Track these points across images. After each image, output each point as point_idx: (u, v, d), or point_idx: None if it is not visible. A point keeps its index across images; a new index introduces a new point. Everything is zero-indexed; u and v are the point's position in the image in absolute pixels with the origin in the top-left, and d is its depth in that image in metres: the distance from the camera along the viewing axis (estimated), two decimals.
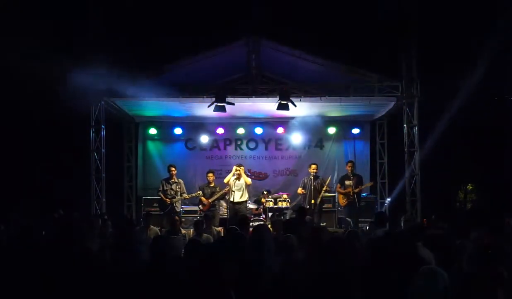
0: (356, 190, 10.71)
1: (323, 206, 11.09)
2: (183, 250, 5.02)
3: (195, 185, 11.97)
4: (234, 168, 10.85)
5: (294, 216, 9.48)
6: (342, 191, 10.92)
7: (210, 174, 11.13)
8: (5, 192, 12.54)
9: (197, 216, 10.84)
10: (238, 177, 10.67)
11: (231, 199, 10.59)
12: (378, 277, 3.82)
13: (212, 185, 11.03)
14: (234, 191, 10.64)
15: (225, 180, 10.84)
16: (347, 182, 10.89)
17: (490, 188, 16.85)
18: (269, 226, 8.52)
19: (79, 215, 9.81)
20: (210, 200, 10.82)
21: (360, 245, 4.48)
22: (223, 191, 10.85)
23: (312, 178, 10.76)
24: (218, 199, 10.96)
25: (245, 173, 11.12)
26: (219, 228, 9.30)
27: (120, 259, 4.44)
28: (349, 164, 11.12)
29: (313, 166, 10.85)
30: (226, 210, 11.24)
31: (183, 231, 8.58)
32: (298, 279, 4.08)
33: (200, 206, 10.94)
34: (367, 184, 11.62)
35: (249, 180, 10.96)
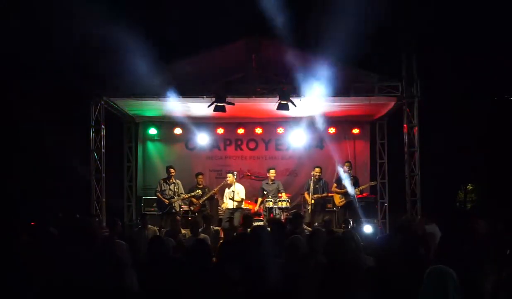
0: (356, 190, 10.80)
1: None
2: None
3: (194, 184, 11.99)
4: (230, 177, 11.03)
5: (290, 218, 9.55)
6: (339, 190, 11.02)
7: (200, 176, 11.38)
8: (4, 192, 12.56)
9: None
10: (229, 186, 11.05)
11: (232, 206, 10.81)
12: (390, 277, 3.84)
13: (201, 186, 11.20)
14: (231, 199, 10.96)
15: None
16: (344, 182, 11.00)
17: (490, 188, 16.86)
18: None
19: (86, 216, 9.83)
20: (200, 201, 11.03)
21: (357, 245, 4.48)
22: (212, 192, 11.21)
23: (316, 179, 11.04)
24: (208, 199, 11.21)
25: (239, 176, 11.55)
26: (218, 228, 9.34)
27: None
28: (347, 164, 11.18)
29: (317, 170, 11.14)
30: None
31: (183, 231, 8.61)
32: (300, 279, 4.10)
33: (191, 207, 11.12)
34: (370, 182, 11.65)
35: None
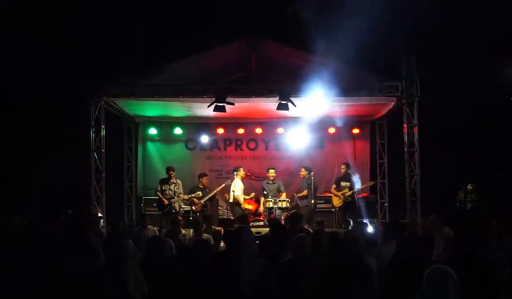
0: (349, 193, 10.81)
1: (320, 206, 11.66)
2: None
3: (195, 185, 12.00)
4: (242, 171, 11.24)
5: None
6: (337, 192, 11.04)
7: (205, 178, 11.35)
8: (5, 193, 12.56)
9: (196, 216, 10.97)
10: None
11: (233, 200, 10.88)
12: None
13: (202, 186, 11.20)
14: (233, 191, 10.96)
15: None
16: (342, 184, 11.02)
17: (490, 188, 16.86)
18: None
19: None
20: (202, 201, 11.09)
21: (358, 246, 4.47)
22: (213, 192, 11.30)
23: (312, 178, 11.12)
24: (209, 199, 11.28)
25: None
26: (220, 228, 9.33)
27: None
28: (343, 166, 11.21)
29: (302, 169, 11.51)
30: (226, 210, 11.44)
31: (183, 231, 8.61)
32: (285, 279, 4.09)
33: (192, 207, 11.13)
34: (368, 183, 11.62)
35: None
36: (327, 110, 11.94)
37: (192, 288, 4.04)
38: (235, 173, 11.57)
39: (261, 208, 11.37)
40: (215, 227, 8.97)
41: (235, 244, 4.20)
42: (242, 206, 11.22)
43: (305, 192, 11.22)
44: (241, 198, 11.28)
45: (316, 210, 11.52)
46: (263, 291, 3.98)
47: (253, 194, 11.78)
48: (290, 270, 4.34)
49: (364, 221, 10.86)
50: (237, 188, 11.37)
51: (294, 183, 12.79)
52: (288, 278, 4.20)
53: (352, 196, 10.84)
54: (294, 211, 10.64)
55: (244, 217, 9.27)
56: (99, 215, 10.10)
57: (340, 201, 11.03)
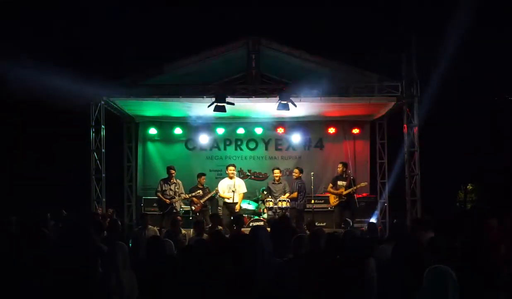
0: (346, 192, 10.80)
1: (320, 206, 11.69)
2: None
3: (195, 185, 12.00)
4: (232, 169, 11.17)
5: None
6: (334, 191, 11.04)
7: (203, 177, 11.31)
8: (5, 192, 12.56)
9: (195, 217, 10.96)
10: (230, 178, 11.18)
11: (232, 200, 10.80)
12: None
13: (201, 186, 11.20)
14: (234, 192, 10.93)
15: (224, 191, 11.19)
16: (339, 182, 11.01)
17: (490, 188, 16.87)
18: None
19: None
20: (201, 201, 11.04)
21: (358, 245, 4.47)
22: (213, 192, 11.19)
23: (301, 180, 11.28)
24: (209, 199, 11.19)
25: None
26: (221, 227, 9.34)
27: None
28: (340, 165, 11.21)
29: (295, 170, 11.46)
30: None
31: (183, 231, 8.61)
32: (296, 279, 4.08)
33: (192, 207, 11.11)
34: (361, 184, 11.55)
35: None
36: (327, 110, 11.95)
37: (192, 288, 4.05)
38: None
39: (264, 208, 11.35)
40: (220, 227, 8.98)
41: (252, 243, 4.20)
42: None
43: (295, 194, 11.16)
44: (225, 196, 11.11)
45: (316, 210, 11.51)
46: (278, 291, 3.96)
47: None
48: (290, 269, 4.34)
49: (371, 220, 10.90)
50: (220, 186, 11.25)
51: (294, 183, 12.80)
52: (289, 278, 4.20)
53: (349, 195, 10.81)
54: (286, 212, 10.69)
55: (240, 218, 9.24)
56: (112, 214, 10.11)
57: (336, 199, 11.01)
